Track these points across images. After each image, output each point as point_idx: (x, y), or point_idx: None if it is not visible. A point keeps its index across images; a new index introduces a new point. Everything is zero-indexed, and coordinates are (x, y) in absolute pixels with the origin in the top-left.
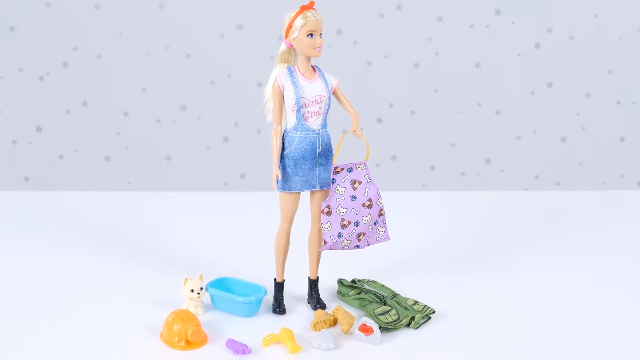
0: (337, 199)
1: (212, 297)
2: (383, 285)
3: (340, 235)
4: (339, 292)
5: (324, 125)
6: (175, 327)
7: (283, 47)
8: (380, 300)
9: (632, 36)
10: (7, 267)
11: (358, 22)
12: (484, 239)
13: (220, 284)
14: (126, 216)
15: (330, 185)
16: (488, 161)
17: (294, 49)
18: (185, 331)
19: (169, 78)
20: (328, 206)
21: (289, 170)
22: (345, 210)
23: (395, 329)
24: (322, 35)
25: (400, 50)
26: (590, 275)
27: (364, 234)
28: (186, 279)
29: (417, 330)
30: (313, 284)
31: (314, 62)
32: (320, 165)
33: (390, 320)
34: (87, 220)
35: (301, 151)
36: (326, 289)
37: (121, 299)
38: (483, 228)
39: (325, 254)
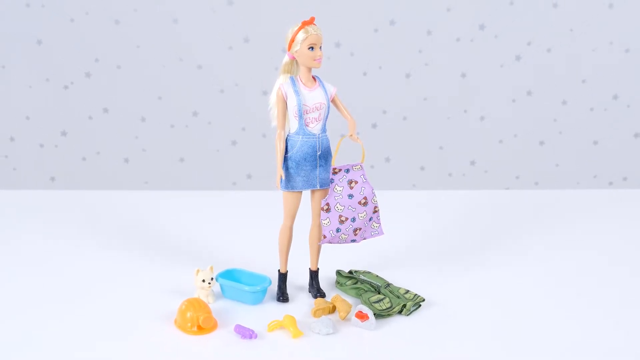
0: (336, 197)
1: (221, 286)
2: (377, 276)
3: (338, 230)
4: (337, 282)
5: (324, 130)
6: (188, 314)
7: (286, 58)
8: (375, 290)
9: (604, 49)
10: (35, 258)
11: (355, 36)
12: (469, 233)
13: (229, 275)
14: (143, 213)
15: (329, 185)
16: (473, 163)
17: (296, 60)
18: (197, 318)
19: (182, 87)
20: (327, 204)
21: (291, 171)
22: (343, 207)
23: (389, 315)
24: (322, 47)
25: (393, 61)
26: (566, 266)
27: (360, 229)
28: (198, 270)
29: (409, 316)
30: (313, 275)
31: (314, 72)
32: (320, 166)
33: (384, 307)
34: (108, 216)
35: (303, 154)
36: (325, 279)
37: (138, 288)
38: (468, 224)
39: (325, 247)
